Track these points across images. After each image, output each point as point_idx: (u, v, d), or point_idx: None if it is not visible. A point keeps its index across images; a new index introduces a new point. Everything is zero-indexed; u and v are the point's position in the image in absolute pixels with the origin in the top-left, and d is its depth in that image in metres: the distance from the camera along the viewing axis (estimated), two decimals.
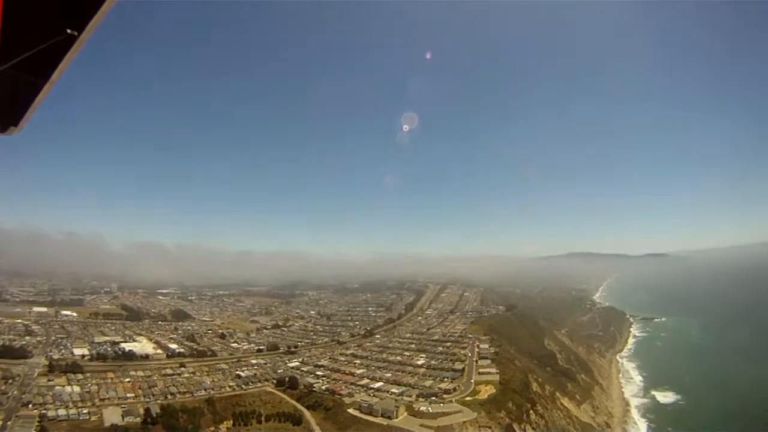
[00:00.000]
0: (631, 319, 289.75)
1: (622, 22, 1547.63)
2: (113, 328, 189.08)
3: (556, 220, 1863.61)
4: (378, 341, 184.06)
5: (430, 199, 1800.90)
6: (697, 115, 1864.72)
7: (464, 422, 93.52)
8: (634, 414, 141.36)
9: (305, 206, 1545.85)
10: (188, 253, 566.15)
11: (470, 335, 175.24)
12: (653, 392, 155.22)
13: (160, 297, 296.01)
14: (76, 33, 6.32)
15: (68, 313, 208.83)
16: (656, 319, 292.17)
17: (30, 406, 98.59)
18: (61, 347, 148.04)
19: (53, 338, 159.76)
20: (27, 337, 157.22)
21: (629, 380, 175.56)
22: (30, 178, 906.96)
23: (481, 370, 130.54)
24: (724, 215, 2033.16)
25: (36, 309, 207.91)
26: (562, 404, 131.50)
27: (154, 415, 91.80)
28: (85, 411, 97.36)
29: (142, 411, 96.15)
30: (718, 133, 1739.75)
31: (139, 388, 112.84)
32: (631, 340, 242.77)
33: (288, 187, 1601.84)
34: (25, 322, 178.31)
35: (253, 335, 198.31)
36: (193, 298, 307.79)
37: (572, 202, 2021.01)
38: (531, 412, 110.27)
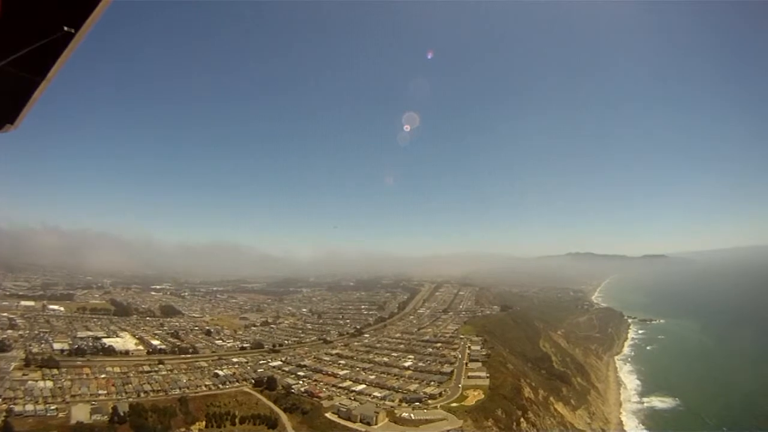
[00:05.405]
0: (629, 321, 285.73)
1: (623, 24, 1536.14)
2: (99, 323, 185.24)
3: (555, 219, 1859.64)
4: (366, 341, 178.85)
5: (426, 197, 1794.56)
6: (698, 116, 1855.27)
7: (448, 431, 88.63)
8: (632, 420, 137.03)
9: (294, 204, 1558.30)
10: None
11: (462, 336, 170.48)
12: (651, 397, 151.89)
13: (153, 293, 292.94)
14: (73, 30, 6.18)
15: (55, 307, 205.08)
16: (654, 321, 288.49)
17: (0, 400, 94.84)
18: (42, 341, 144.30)
19: (36, 332, 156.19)
20: (9, 331, 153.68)
21: (626, 384, 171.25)
22: (16, 173, 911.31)
23: (470, 374, 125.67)
24: (725, 217, 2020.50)
25: (23, 303, 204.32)
26: (556, 410, 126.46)
27: (122, 414, 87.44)
28: (53, 407, 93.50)
29: (111, 409, 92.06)
30: (720, 133, 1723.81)
31: (113, 385, 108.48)
32: (628, 342, 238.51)
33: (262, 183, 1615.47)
34: (11, 316, 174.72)
35: (240, 332, 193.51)
36: (186, 294, 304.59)
37: (572, 202, 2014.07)
38: (522, 419, 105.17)
